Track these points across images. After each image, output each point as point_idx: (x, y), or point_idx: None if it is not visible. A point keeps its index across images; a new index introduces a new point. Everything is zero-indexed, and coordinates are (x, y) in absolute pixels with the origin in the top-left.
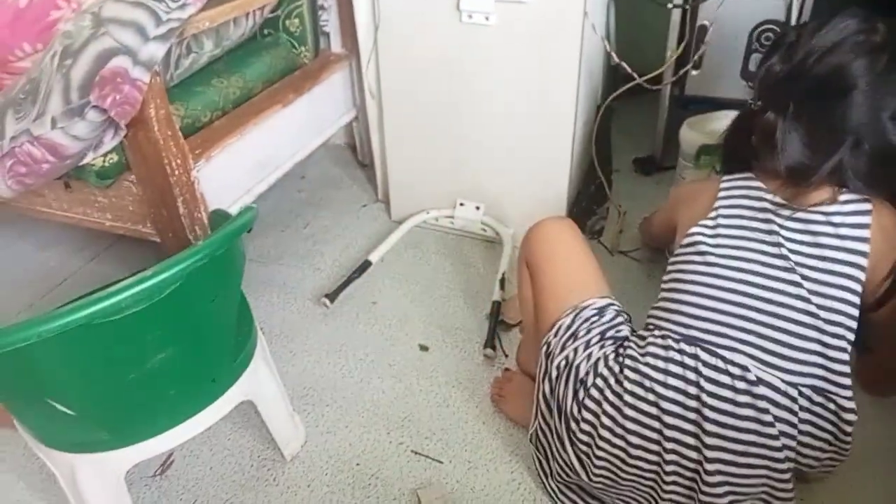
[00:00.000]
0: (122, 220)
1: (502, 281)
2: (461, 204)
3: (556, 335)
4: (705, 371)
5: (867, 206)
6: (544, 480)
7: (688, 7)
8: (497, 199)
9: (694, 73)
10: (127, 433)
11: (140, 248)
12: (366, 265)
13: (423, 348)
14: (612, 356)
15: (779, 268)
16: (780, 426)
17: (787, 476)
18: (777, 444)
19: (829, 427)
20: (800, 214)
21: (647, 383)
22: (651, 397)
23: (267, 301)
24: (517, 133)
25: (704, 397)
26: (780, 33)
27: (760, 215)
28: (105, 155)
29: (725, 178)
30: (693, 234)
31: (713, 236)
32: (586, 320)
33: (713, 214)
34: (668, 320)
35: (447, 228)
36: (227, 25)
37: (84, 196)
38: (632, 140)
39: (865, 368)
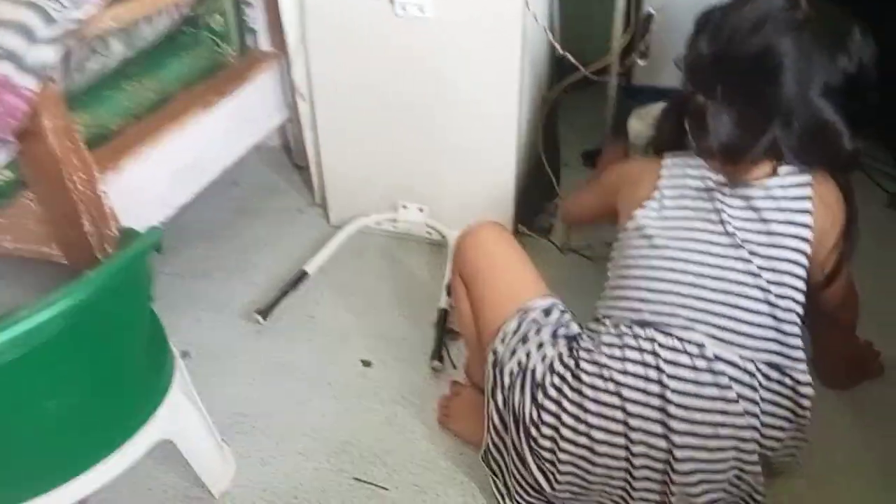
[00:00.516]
0: (25, 241)
1: (449, 287)
2: (404, 206)
3: (503, 342)
4: (663, 353)
5: (807, 178)
6: (501, 501)
7: None
8: (441, 200)
9: (641, 62)
10: (22, 488)
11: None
12: (302, 276)
13: (366, 364)
14: (566, 353)
15: (726, 245)
16: (744, 404)
17: (754, 458)
18: (742, 421)
19: (788, 403)
20: (741, 191)
21: (606, 373)
22: (612, 387)
23: (194, 319)
24: (459, 129)
25: (666, 380)
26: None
27: (704, 194)
28: None
29: (667, 157)
30: (637, 216)
31: (658, 218)
32: (534, 321)
33: (657, 195)
34: (618, 307)
35: (389, 232)
36: (139, 25)
37: None
38: (579, 133)
39: (822, 360)
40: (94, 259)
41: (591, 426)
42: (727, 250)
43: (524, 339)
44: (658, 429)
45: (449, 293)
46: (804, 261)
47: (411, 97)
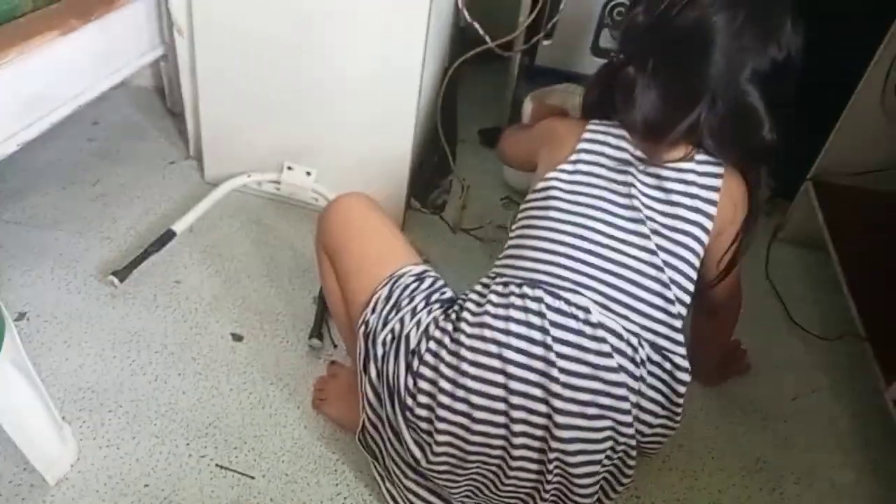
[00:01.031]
0: None
1: None
2: (289, 168)
3: (373, 311)
4: (550, 315)
5: (720, 170)
6: (381, 485)
7: None
8: (332, 165)
9: (545, 42)
10: None
11: None
12: (168, 236)
13: (237, 338)
14: (441, 317)
15: (629, 219)
16: (624, 376)
17: (630, 431)
18: (621, 392)
19: (663, 388)
20: (655, 169)
21: (488, 333)
22: (493, 349)
23: (37, 276)
24: (357, 91)
25: (550, 342)
26: None
27: (619, 166)
28: None
29: (592, 122)
30: (549, 178)
31: (569, 182)
32: (406, 287)
33: (573, 158)
34: (510, 266)
35: (271, 195)
36: None
37: None
38: (479, 109)
39: (696, 354)
40: None
41: (469, 391)
42: (629, 224)
43: (397, 307)
44: (539, 392)
45: None
46: (700, 250)
47: (307, 49)
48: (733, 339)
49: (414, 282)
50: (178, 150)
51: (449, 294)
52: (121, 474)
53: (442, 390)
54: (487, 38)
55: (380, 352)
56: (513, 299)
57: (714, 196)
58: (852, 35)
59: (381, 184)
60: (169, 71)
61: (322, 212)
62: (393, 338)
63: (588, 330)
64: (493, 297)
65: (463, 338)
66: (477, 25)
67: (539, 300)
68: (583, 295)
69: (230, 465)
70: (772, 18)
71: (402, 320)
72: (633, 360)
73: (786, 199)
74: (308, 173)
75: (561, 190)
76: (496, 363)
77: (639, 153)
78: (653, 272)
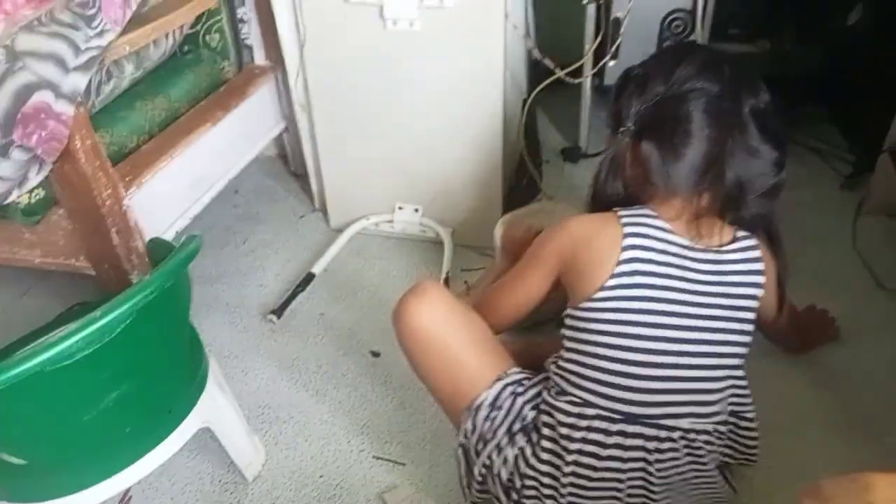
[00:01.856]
0: (53, 255)
1: (446, 280)
2: (400, 207)
3: (465, 437)
4: (649, 446)
5: (755, 242)
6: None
7: (601, 2)
8: (434, 200)
9: (612, 63)
10: (84, 476)
11: (73, 278)
12: (309, 277)
13: (375, 354)
14: (528, 451)
15: (701, 317)
16: (711, 456)
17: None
18: (713, 472)
19: (741, 441)
20: (705, 255)
21: (582, 471)
22: (588, 483)
23: (212, 322)
24: (449, 134)
25: (649, 468)
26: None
27: (671, 258)
28: (31, 191)
29: (624, 215)
30: (611, 286)
31: (631, 286)
32: (486, 419)
33: (626, 263)
34: (595, 393)
35: (388, 233)
36: (148, 47)
37: (10, 234)
38: (558, 131)
39: (782, 341)
40: (121, 269)
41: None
42: (699, 322)
43: (483, 440)
44: (638, 491)
45: (447, 285)
46: (753, 316)
47: (403, 105)
48: (818, 307)
49: (492, 412)
50: (305, 205)
51: (528, 414)
52: (300, 469)
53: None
54: (557, 69)
55: (478, 476)
56: (616, 439)
57: (759, 266)
58: None
59: (477, 210)
60: (290, 140)
61: (393, 317)
62: (487, 471)
63: (683, 444)
64: (592, 435)
65: (564, 479)
66: (547, 60)
67: (638, 435)
68: (682, 418)
69: (384, 456)
70: (748, 77)
71: (489, 456)
72: (718, 442)
73: (868, 172)
74: (416, 210)
75: (624, 300)
76: (593, 489)
77: (684, 241)
78: (727, 355)
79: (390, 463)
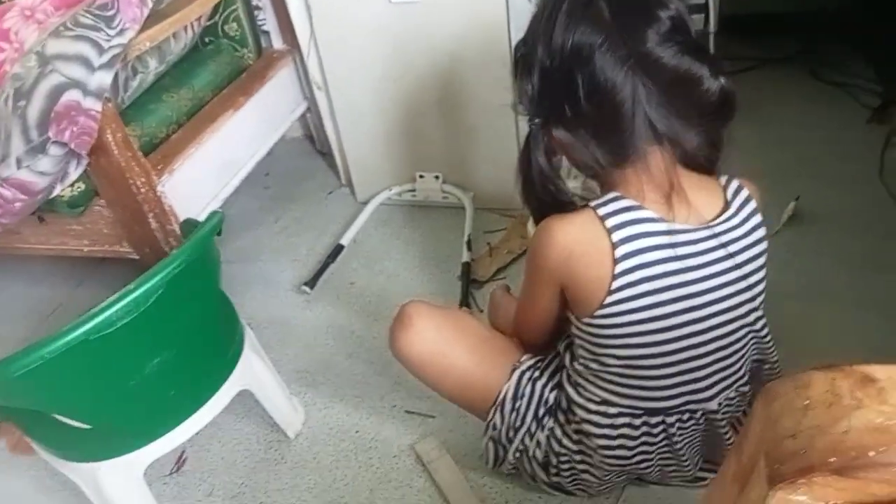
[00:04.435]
0: (99, 243)
1: (468, 242)
2: (420, 176)
3: (494, 429)
4: (673, 430)
5: (743, 189)
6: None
7: None
8: (454, 167)
9: None
10: (138, 436)
11: (120, 267)
12: (339, 249)
13: None
14: (558, 432)
15: (711, 302)
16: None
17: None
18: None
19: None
20: (706, 233)
21: (625, 462)
22: (618, 462)
23: (251, 297)
24: (461, 101)
25: (674, 438)
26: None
27: (671, 253)
28: (72, 185)
29: (605, 215)
30: (613, 302)
31: (633, 297)
32: (512, 410)
33: (624, 275)
34: (618, 394)
35: (411, 201)
36: (168, 41)
37: (59, 227)
38: None
39: None
40: (160, 250)
41: (604, 472)
42: (709, 307)
43: (514, 428)
44: (666, 454)
45: (469, 247)
46: (764, 272)
47: (414, 77)
48: None
49: (514, 401)
50: (332, 181)
51: (549, 396)
52: (338, 426)
53: (580, 471)
54: None
55: (512, 459)
56: (643, 429)
57: (758, 218)
58: None
59: (496, 173)
60: (313, 120)
61: (390, 344)
62: (522, 454)
63: (703, 420)
64: (627, 431)
65: (596, 458)
66: None
67: (663, 422)
68: (705, 401)
69: (415, 410)
70: None
71: (522, 441)
72: (739, 406)
73: None
74: (436, 177)
75: (634, 311)
76: (624, 463)
77: (671, 224)
78: (743, 315)
79: (421, 416)
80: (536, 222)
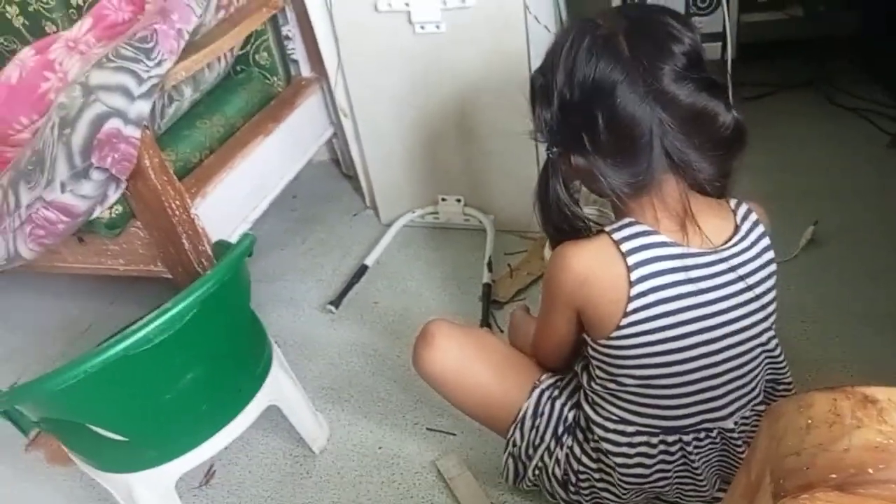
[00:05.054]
0: (135, 262)
1: (489, 264)
2: (443, 199)
3: (514, 446)
4: (689, 449)
5: (751, 213)
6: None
7: None
8: (475, 190)
9: None
10: (171, 448)
11: (153, 286)
12: (363, 269)
13: None
14: (577, 450)
15: (724, 323)
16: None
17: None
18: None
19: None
20: (719, 256)
21: (643, 480)
22: (636, 481)
23: (278, 316)
24: (482, 127)
25: (691, 457)
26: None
27: (684, 276)
28: (111, 207)
29: (620, 239)
30: (628, 324)
31: (648, 319)
32: (532, 428)
33: (639, 298)
34: (635, 413)
35: (433, 224)
36: (203, 70)
37: (97, 247)
38: None
39: None
40: (193, 270)
41: (622, 490)
42: (723, 328)
43: (533, 446)
44: (683, 473)
45: (490, 269)
46: (775, 292)
47: (437, 103)
48: None
49: (536, 420)
50: (357, 203)
51: (569, 415)
52: (361, 442)
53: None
54: None
55: (531, 476)
56: (661, 447)
57: (767, 241)
58: None
59: (516, 196)
60: (340, 145)
61: (413, 362)
62: (541, 472)
63: (719, 439)
64: (644, 449)
65: (615, 476)
66: None
67: (679, 441)
68: (721, 420)
69: (437, 427)
70: (657, 25)
71: (542, 458)
72: (753, 426)
73: None
74: (458, 200)
75: (649, 332)
76: (643, 482)
77: (684, 248)
78: (756, 335)
79: (442, 434)
80: (553, 246)
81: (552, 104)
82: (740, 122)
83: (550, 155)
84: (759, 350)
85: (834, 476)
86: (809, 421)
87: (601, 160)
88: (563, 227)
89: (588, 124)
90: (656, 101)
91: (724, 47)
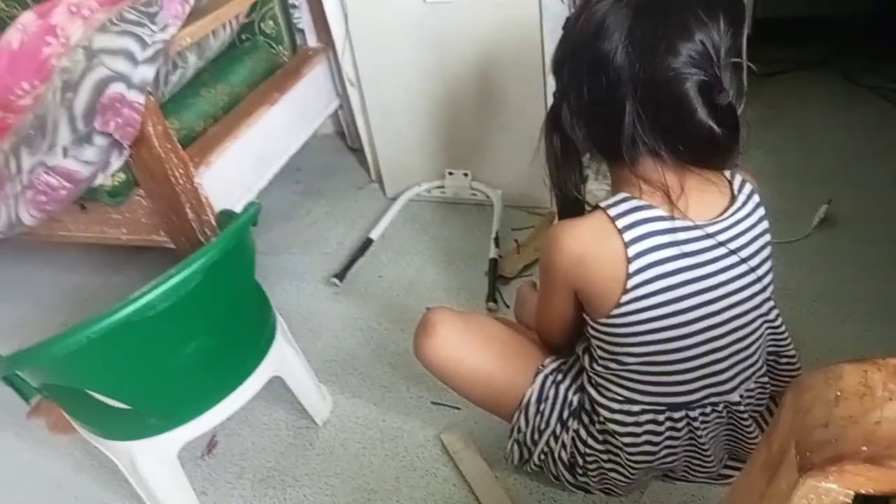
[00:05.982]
0: (137, 232)
1: (496, 239)
2: (450, 173)
3: (519, 432)
4: (696, 424)
5: (747, 184)
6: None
7: None
8: (482, 164)
9: None
10: (174, 416)
11: (157, 256)
12: (368, 243)
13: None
14: (583, 433)
15: (724, 295)
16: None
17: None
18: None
19: (784, 376)
20: (716, 228)
21: (651, 458)
22: (644, 458)
23: (282, 288)
24: (492, 100)
25: (697, 432)
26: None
27: (682, 249)
28: (113, 175)
29: (616, 215)
30: (628, 301)
31: (648, 295)
32: (536, 414)
33: (638, 274)
34: (640, 392)
35: (440, 198)
36: (207, 38)
37: (99, 215)
38: None
39: None
40: (196, 240)
41: (631, 470)
42: (723, 300)
43: (539, 431)
44: (689, 446)
45: (497, 244)
46: (771, 261)
47: (446, 76)
48: None
49: (539, 404)
50: (362, 177)
51: (573, 398)
52: (365, 415)
53: (607, 471)
54: None
55: (537, 461)
56: (668, 424)
57: (762, 211)
58: None
59: (524, 172)
60: (345, 117)
61: (414, 351)
62: (547, 456)
63: (725, 412)
64: (651, 427)
65: (623, 456)
66: None
67: (686, 417)
68: (727, 393)
69: (441, 401)
70: (674, 14)
71: (547, 442)
72: (760, 399)
73: None
74: (465, 174)
75: (649, 308)
76: (650, 458)
77: (684, 222)
78: (756, 307)
79: (447, 407)
80: (560, 215)
81: (565, 48)
82: (721, 138)
83: (554, 96)
84: (760, 321)
85: (865, 449)
86: (839, 393)
87: (581, 121)
88: (564, 182)
89: (574, 83)
90: (635, 87)
91: None
